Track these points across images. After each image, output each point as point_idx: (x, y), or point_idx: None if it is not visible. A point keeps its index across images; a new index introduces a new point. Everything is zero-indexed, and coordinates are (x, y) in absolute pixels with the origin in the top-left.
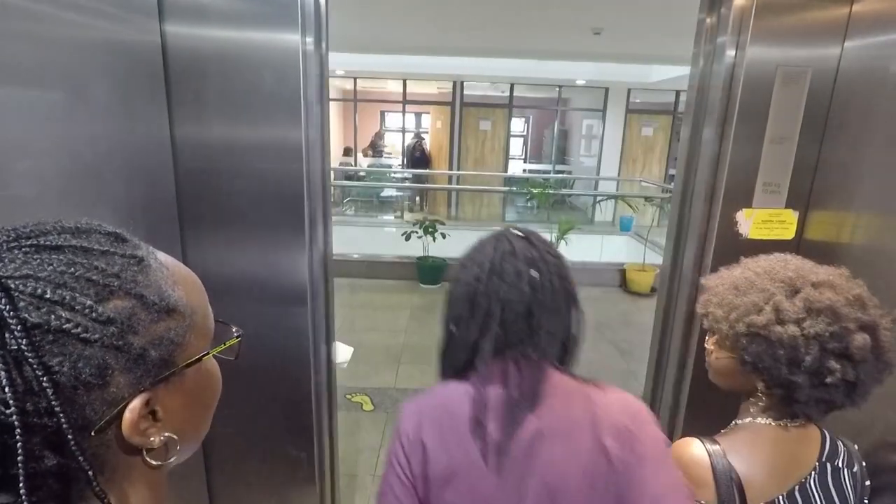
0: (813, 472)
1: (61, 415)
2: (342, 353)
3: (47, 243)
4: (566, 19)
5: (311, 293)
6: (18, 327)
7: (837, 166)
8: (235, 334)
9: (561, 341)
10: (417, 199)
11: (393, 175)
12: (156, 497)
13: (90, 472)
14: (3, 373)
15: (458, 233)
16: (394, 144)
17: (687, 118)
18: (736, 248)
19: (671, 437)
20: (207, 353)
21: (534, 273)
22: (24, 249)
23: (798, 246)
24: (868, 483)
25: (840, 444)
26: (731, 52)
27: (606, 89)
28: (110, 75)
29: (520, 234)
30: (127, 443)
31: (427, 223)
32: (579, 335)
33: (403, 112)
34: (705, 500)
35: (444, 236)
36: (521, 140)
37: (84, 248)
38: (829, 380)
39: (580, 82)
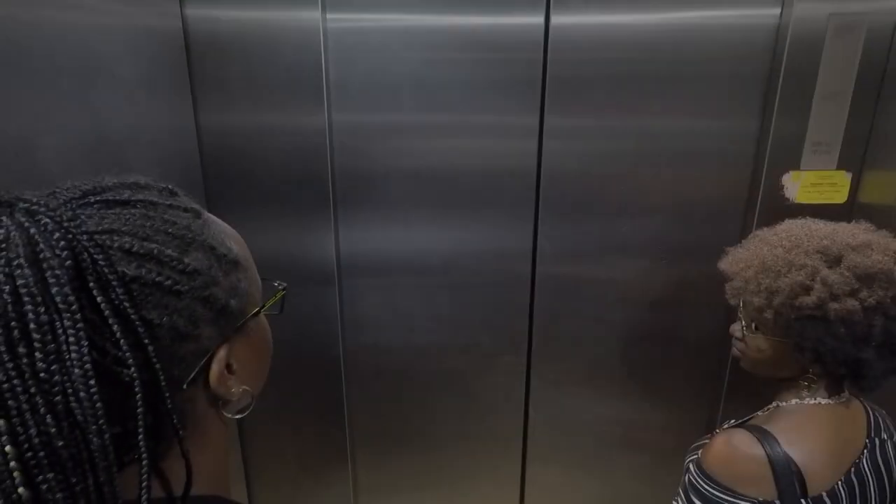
0: (864, 451)
1: (160, 370)
2: None
3: (115, 198)
4: None
5: (339, 273)
6: (118, 283)
7: None
8: (280, 287)
9: None
10: None
11: None
12: (222, 453)
13: (178, 428)
14: (117, 330)
15: None
16: None
17: None
18: (782, 214)
19: (711, 417)
20: (266, 304)
21: None
22: (95, 205)
23: (851, 210)
24: None
25: (877, 413)
26: (778, 3)
27: None
28: (134, 60)
29: None
30: (211, 395)
31: None
32: None
33: None
34: (763, 498)
35: None
36: None
37: (151, 202)
38: None
39: None
